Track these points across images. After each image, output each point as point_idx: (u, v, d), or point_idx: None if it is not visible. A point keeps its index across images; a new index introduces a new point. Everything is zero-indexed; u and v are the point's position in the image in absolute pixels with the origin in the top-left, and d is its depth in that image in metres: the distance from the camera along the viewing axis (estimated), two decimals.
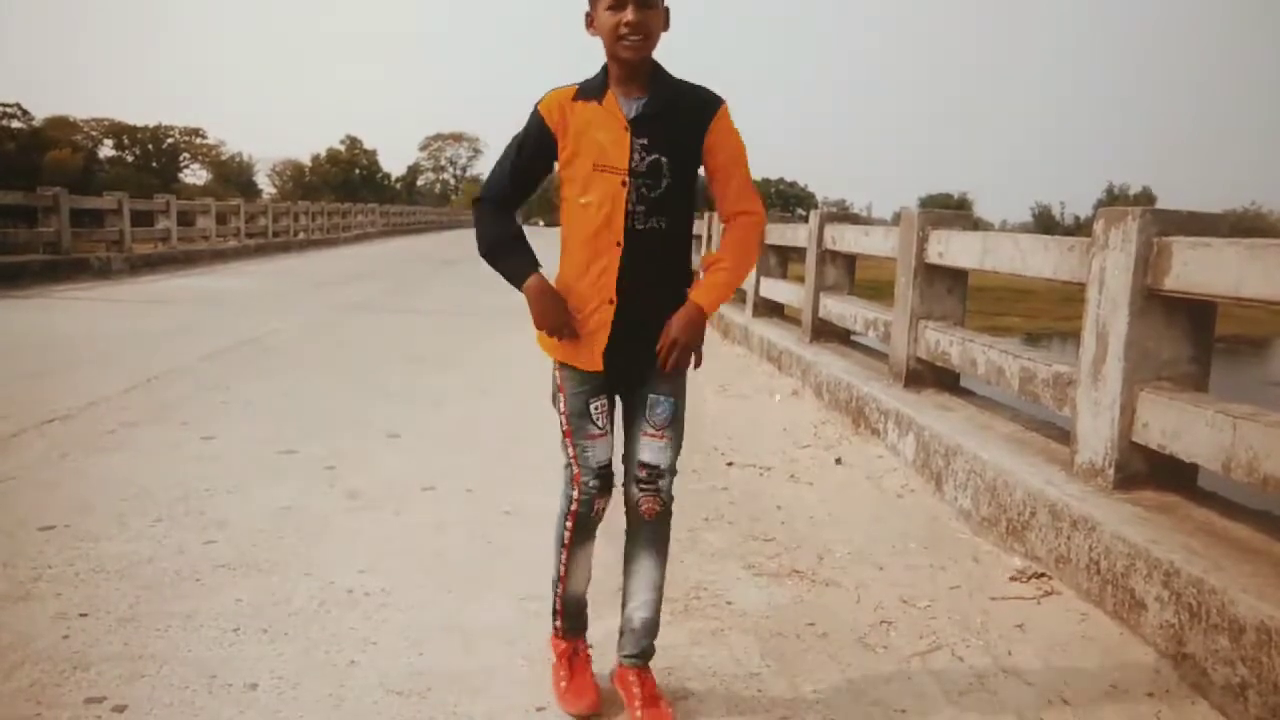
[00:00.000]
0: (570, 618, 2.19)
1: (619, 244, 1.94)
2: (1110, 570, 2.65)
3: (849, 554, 3.18)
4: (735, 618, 2.64)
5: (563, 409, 2.06)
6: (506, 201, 2.04)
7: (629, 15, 1.84)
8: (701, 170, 2.02)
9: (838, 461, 4.39)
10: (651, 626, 2.14)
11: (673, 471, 2.09)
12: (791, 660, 2.40)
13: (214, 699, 2.09)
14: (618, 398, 2.11)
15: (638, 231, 1.94)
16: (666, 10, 1.92)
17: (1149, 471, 3.03)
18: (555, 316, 1.97)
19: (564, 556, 2.14)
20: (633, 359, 2.00)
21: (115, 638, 2.35)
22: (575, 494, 2.07)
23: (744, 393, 6.19)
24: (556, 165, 2.01)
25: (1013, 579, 2.96)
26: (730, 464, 4.31)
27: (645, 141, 1.91)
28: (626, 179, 1.91)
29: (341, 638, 2.41)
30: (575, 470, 2.07)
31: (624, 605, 2.16)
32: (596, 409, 2.04)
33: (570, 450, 2.07)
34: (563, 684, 2.12)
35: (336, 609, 2.58)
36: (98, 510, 3.28)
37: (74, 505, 3.32)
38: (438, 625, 2.50)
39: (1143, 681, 2.31)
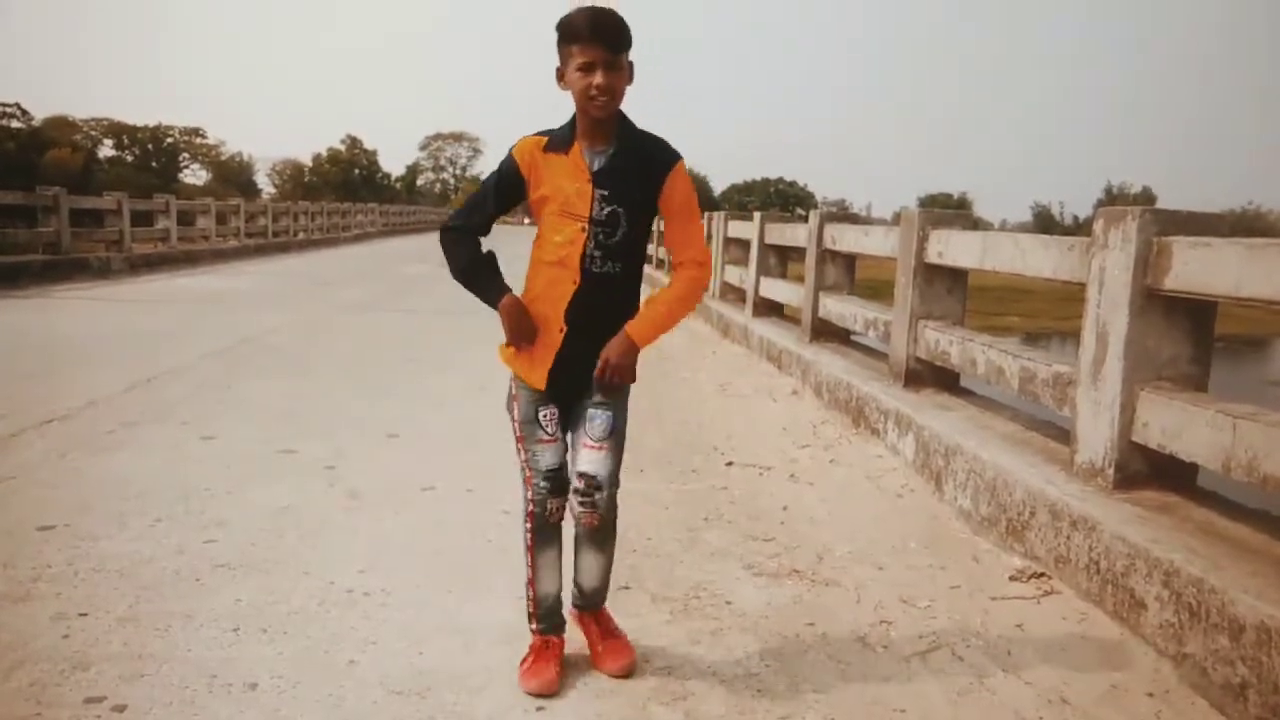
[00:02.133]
0: (544, 618, 2.28)
1: (575, 282, 2.14)
2: (1110, 570, 2.65)
3: (849, 554, 3.18)
4: (735, 617, 2.64)
5: (515, 417, 2.24)
6: (477, 230, 2.23)
7: (598, 79, 2.02)
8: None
9: (831, 462, 4.39)
10: (601, 591, 2.36)
11: (612, 484, 2.21)
12: (791, 660, 2.40)
13: (214, 698, 2.09)
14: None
15: (593, 274, 2.13)
16: (631, 65, 2.09)
17: (1149, 471, 3.04)
18: (529, 332, 2.17)
19: (530, 559, 2.26)
20: (575, 379, 2.18)
21: (115, 637, 2.35)
22: (529, 495, 2.22)
23: (743, 392, 6.19)
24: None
25: (1012, 579, 2.96)
26: (730, 463, 4.31)
27: (606, 193, 2.11)
28: (586, 225, 2.11)
29: (341, 637, 2.41)
30: (527, 473, 2.22)
31: (575, 576, 2.35)
32: (545, 417, 2.21)
33: (523, 455, 2.23)
34: (525, 665, 2.22)
35: (336, 609, 2.58)
36: (97, 510, 3.28)
37: (74, 505, 3.32)
38: (438, 625, 2.50)
39: (1142, 681, 2.32)
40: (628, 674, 2.26)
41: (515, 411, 2.24)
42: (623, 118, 2.14)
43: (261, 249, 20.40)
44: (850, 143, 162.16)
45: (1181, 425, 2.79)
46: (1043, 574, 2.95)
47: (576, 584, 2.35)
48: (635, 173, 2.12)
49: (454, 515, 3.41)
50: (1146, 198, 48.17)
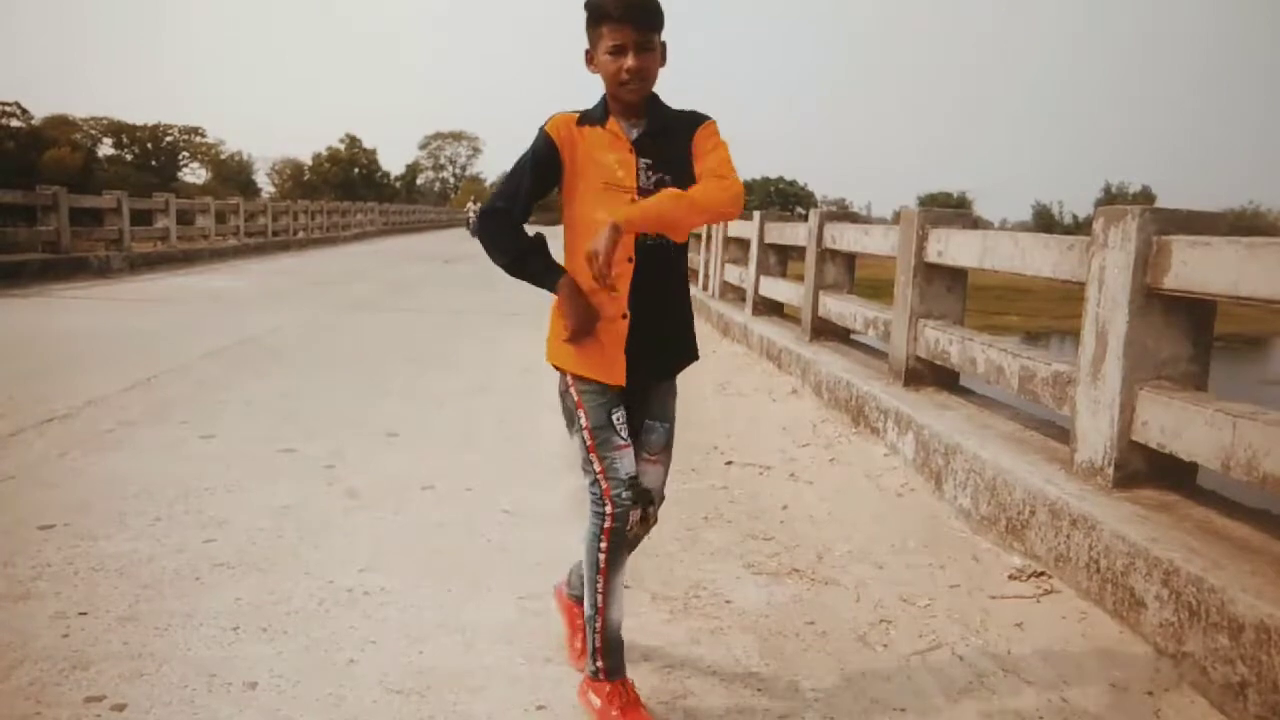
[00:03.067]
0: (612, 654, 2.06)
1: (631, 259, 1.98)
2: (1110, 569, 2.65)
3: (848, 553, 3.18)
4: (735, 616, 2.64)
5: (585, 424, 2.02)
6: (520, 215, 2.04)
7: (629, 62, 1.92)
8: None
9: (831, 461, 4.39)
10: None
11: (662, 497, 2.18)
12: (791, 659, 2.40)
13: (213, 698, 2.09)
14: None
15: (648, 248, 2.00)
16: (663, 45, 1.98)
17: (1148, 470, 3.04)
18: (591, 318, 1.98)
19: (601, 584, 2.03)
20: (645, 372, 2.06)
21: (115, 636, 2.35)
22: (608, 509, 2.00)
23: (743, 391, 6.19)
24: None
25: (1012, 578, 2.96)
26: (730, 463, 4.31)
27: (650, 161, 1.99)
28: (635, 197, 1.96)
29: (341, 637, 2.41)
30: (604, 485, 2.00)
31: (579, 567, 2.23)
32: (618, 420, 2.03)
33: (598, 465, 2.01)
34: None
35: (336, 608, 2.58)
36: (97, 509, 3.28)
37: (73, 504, 3.32)
38: (437, 624, 2.50)
39: (1142, 680, 2.32)
40: None
41: (583, 419, 2.03)
42: (654, 97, 2.04)
43: (261, 248, 20.40)
44: (850, 142, 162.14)
45: (1181, 424, 2.79)
46: (1042, 573, 2.95)
47: (576, 573, 2.28)
48: (676, 140, 2.02)
49: (454, 515, 3.41)
50: (1146, 197, 48.12)
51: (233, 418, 4.76)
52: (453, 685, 2.18)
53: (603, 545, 2.01)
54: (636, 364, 2.03)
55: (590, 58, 1.99)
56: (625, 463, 2.02)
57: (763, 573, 2.98)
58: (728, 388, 6.28)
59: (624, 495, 2.00)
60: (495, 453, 4.32)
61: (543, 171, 2.02)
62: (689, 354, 2.16)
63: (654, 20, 1.94)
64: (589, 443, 2.02)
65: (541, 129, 2.02)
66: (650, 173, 1.98)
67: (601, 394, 2.03)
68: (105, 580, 2.69)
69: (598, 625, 2.04)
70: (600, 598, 2.03)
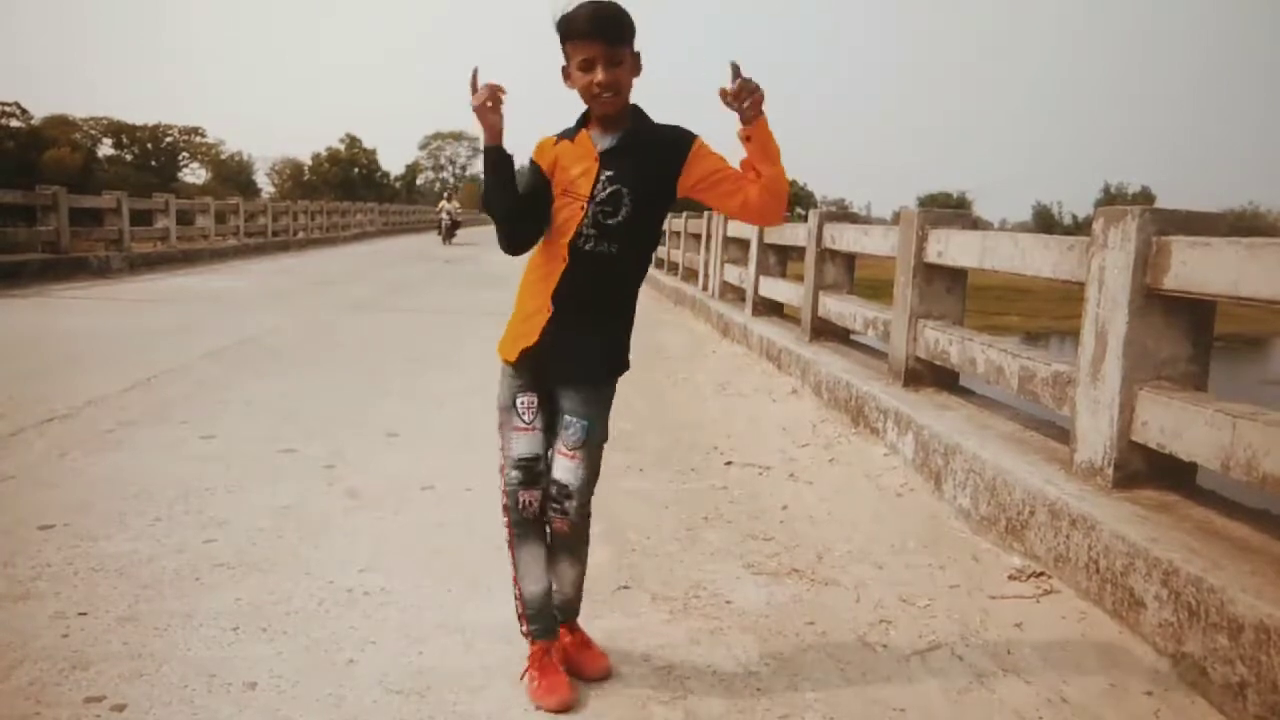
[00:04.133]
0: (535, 619, 2.20)
1: (564, 259, 2.08)
2: (1109, 569, 2.65)
3: (848, 553, 3.18)
4: (734, 616, 2.64)
5: (498, 402, 2.21)
6: (519, 199, 2.13)
7: (599, 76, 1.99)
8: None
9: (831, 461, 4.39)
10: (573, 602, 2.31)
11: (584, 493, 2.16)
12: (791, 659, 2.40)
13: (213, 698, 2.09)
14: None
15: (584, 252, 2.07)
16: (637, 55, 2.04)
17: (1148, 470, 3.04)
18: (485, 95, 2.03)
19: (511, 556, 2.21)
20: (555, 366, 2.14)
21: (115, 637, 2.35)
22: (502, 485, 2.18)
23: (743, 392, 6.19)
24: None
25: (1012, 578, 2.96)
26: (729, 463, 4.31)
27: (611, 173, 2.06)
28: (585, 204, 2.06)
29: (341, 637, 2.41)
30: (500, 460, 2.19)
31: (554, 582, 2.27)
32: (523, 404, 2.16)
33: (500, 441, 2.20)
34: (534, 683, 2.15)
35: (336, 608, 2.58)
36: (97, 509, 3.28)
37: (73, 504, 3.32)
38: (437, 624, 2.50)
39: (1142, 680, 2.32)
40: (605, 676, 2.24)
41: (498, 399, 2.21)
42: (636, 110, 2.10)
43: (261, 248, 20.40)
44: (850, 142, 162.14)
45: (1181, 424, 2.79)
46: (1042, 573, 2.95)
47: (556, 595, 2.27)
48: (647, 156, 2.07)
49: (454, 515, 3.41)
50: (1145, 197, 48.11)
51: (233, 418, 4.76)
52: (453, 685, 2.18)
53: (504, 520, 2.21)
54: (547, 360, 2.13)
55: (566, 73, 2.06)
56: (520, 445, 2.16)
57: (762, 573, 2.98)
58: (728, 388, 6.28)
59: (513, 474, 2.16)
60: (495, 453, 4.30)
61: (532, 186, 2.13)
62: (608, 366, 2.18)
63: (622, 34, 2.00)
64: (498, 421, 2.20)
65: (531, 159, 2.17)
66: (608, 184, 2.05)
67: (514, 377, 2.17)
68: (105, 580, 2.69)
69: (517, 593, 2.22)
70: (513, 568, 2.21)
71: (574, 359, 2.12)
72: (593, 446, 2.16)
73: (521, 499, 2.16)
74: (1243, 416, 2.57)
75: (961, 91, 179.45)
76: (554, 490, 2.15)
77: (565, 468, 2.14)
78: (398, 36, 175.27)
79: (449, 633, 2.45)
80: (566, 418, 2.14)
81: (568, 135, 2.13)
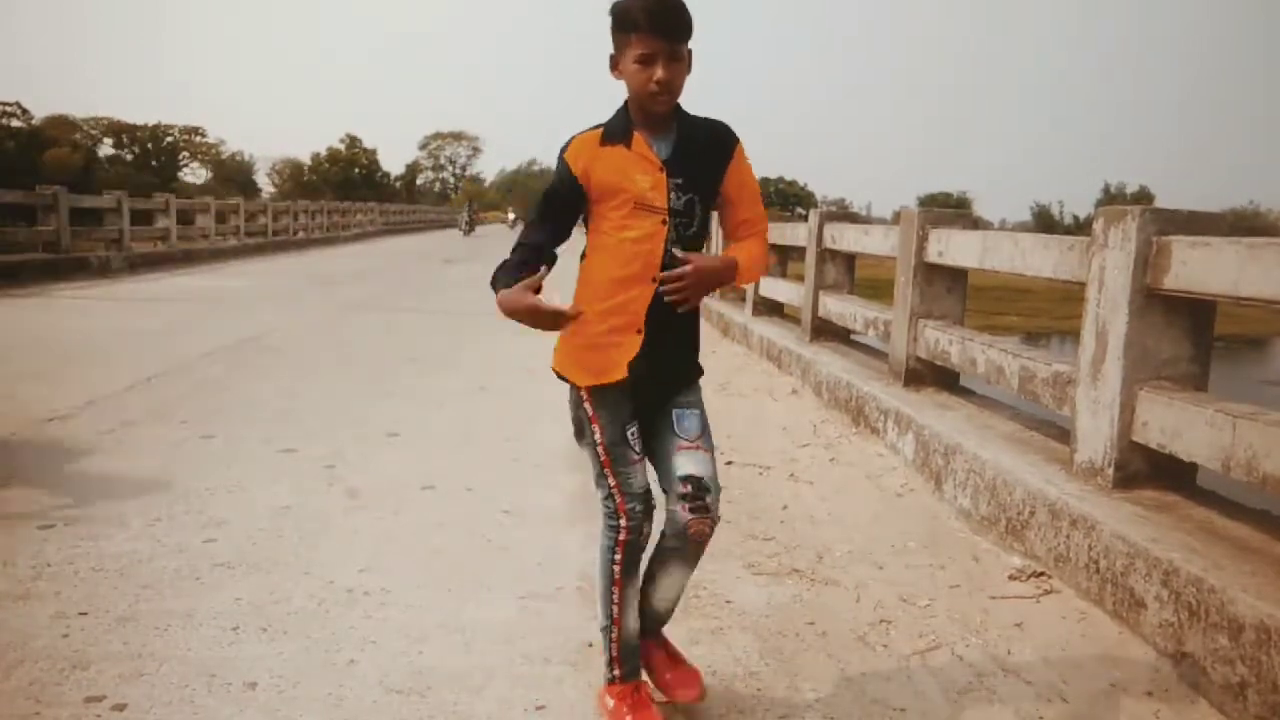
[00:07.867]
0: (628, 661, 2.07)
1: (654, 279, 1.95)
2: (1110, 569, 2.65)
3: (848, 553, 3.18)
4: (735, 616, 2.64)
5: (599, 439, 2.01)
6: (534, 248, 1.97)
7: (659, 73, 1.86)
8: None
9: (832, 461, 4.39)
10: (673, 610, 2.19)
11: (718, 485, 2.04)
12: (791, 659, 2.40)
13: (213, 698, 2.09)
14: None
15: (671, 268, 1.96)
16: (690, 53, 1.92)
17: (1148, 471, 3.04)
18: (521, 301, 1.83)
19: (616, 595, 2.03)
20: (653, 387, 2.02)
21: (114, 636, 2.35)
22: (623, 522, 1.99)
23: (743, 391, 6.19)
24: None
25: (1012, 578, 2.96)
26: (730, 463, 4.30)
27: (680, 181, 1.96)
28: (666, 218, 1.95)
29: (341, 637, 2.41)
30: (619, 500, 1.99)
31: (649, 599, 2.12)
32: (632, 435, 2.02)
33: (611, 480, 2.00)
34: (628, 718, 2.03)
35: (336, 608, 2.58)
36: (97, 509, 3.28)
37: (73, 504, 3.31)
38: (437, 624, 2.50)
39: (1142, 680, 2.32)
40: (702, 699, 2.11)
41: (597, 434, 2.00)
42: (677, 107, 1.98)
43: (261, 248, 20.39)
44: (850, 142, 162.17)
45: (1181, 425, 2.79)
46: (1042, 573, 2.95)
47: (650, 608, 2.13)
48: (702, 159, 1.99)
49: (454, 515, 3.41)
50: (1145, 197, 48.12)
51: (233, 418, 4.76)
52: (453, 685, 2.18)
53: (617, 558, 2.01)
54: (646, 381, 2.00)
55: (615, 63, 1.93)
56: (639, 477, 2.01)
57: (763, 573, 2.98)
58: (728, 388, 6.28)
59: (638, 509, 2.00)
60: (495, 453, 4.32)
61: (562, 206, 1.99)
62: (693, 370, 2.14)
63: (684, 31, 1.88)
64: (603, 458, 2.00)
65: (561, 157, 1.98)
66: (680, 193, 1.95)
67: (616, 407, 2.01)
68: (105, 580, 2.69)
69: (614, 635, 2.05)
70: (615, 609, 2.03)
71: (672, 369, 2.05)
72: (709, 435, 2.07)
73: (646, 531, 2.02)
74: (1243, 417, 2.57)
75: (961, 92, 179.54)
76: (689, 489, 1.97)
77: (695, 460, 2.00)
78: (398, 36, 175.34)
79: (449, 633, 2.45)
80: (678, 411, 2.04)
81: (615, 137, 1.95)
